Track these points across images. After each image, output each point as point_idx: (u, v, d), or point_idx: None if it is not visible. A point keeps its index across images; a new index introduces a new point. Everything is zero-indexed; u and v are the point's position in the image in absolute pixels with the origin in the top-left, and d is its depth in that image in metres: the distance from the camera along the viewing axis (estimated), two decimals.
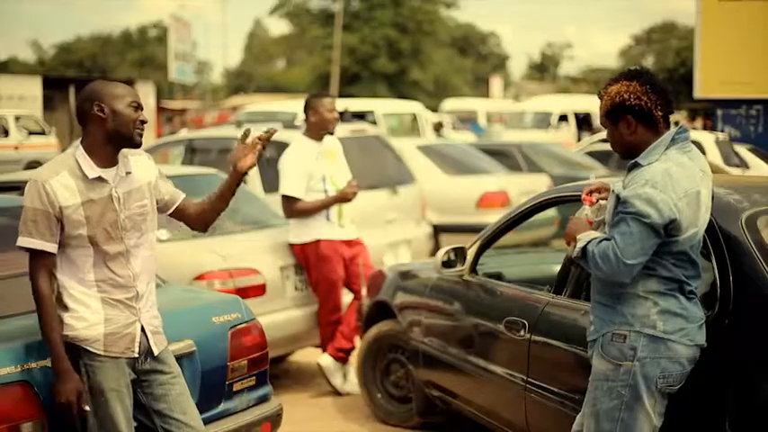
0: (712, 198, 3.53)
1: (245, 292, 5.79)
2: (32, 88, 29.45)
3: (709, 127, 17.39)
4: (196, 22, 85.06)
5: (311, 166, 6.45)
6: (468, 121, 30.84)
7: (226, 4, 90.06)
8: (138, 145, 3.43)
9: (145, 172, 3.53)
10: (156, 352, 3.47)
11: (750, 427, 3.39)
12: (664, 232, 3.27)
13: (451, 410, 5.34)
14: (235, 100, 49.33)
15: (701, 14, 17.03)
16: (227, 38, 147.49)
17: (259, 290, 6.11)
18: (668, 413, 3.49)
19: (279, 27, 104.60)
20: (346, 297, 6.63)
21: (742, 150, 13.42)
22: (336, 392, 6.46)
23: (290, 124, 8.85)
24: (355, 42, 49.78)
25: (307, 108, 6.57)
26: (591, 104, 26.29)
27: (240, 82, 66.26)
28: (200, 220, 3.69)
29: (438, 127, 19.02)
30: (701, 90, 17.36)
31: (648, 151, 3.36)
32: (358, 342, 6.29)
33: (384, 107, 17.35)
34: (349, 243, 6.59)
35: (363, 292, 6.39)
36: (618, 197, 3.33)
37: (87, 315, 3.35)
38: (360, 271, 6.58)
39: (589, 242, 3.36)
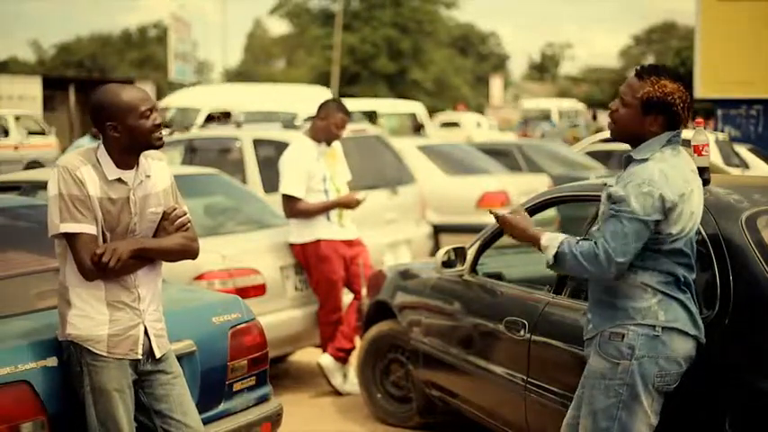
0: (711, 198, 3.53)
1: (245, 292, 5.79)
2: (32, 88, 29.41)
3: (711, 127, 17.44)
4: (196, 22, 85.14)
5: (312, 165, 6.45)
6: (543, 118, 34.09)
7: (226, 4, 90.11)
8: (159, 147, 3.44)
9: (162, 178, 3.53)
10: (158, 355, 3.47)
11: (750, 428, 3.39)
12: (655, 229, 3.29)
13: (451, 410, 5.34)
14: None
15: (701, 14, 17.03)
16: (227, 38, 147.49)
17: (259, 290, 6.11)
18: (668, 413, 3.48)
19: (279, 27, 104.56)
20: (346, 297, 6.63)
21: (742, 150, 13.42)
22: (336, 392, 6.46)
23: (289, 124, 8.85)
24: (355, 42, 49.75)
25: (320, 109, 6.56)
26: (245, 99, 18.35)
27: (240, 82, 66.22)
28: None
29: (418, 128, 18.78)
30: (701, 90, 17.35)
31: (644, 147, 3.39)
32: (358, 342, 6.29)
33: (384, 107, 17.35)
34: (349, 243, 6.60)
35: (363, 292, 6.39)
36: (610, 195, 3.35)
37: (92, 314, 3.35)
38: (360, 271, 6.58)
39: (562, 244, 3.37)
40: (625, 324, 3.36)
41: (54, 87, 30.64)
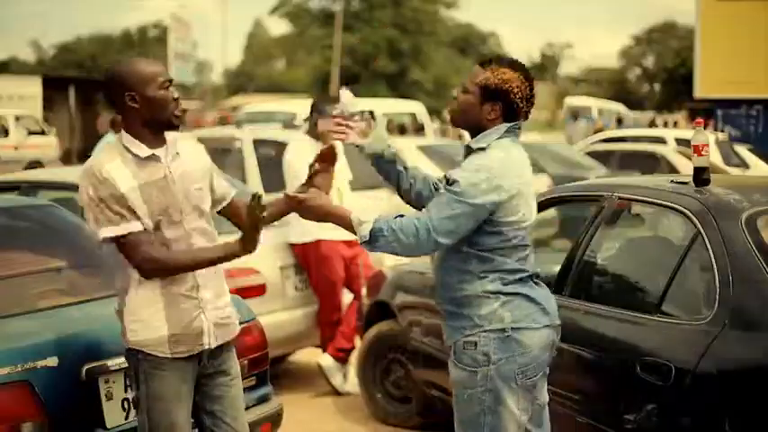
0: (711, 198, 3.52)
1: (245, 292, 5.78)
2: (32, 88, 29.41)
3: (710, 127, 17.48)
4: (196, 22, 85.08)
5: None
6: (583, 114, 36.08)
7: (226, 4, 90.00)
8: (176, 127, 3.28)
9: (196, 158, 3.38)
10: (212, 345, 3.32)
11: (750, 428, 3.39)
12: (489, 217, 3.21)
13: (451, 410, 5.32)
14: (235, 100, 49.27)
15: (701, 14, 17.06)
16: (227, 38, 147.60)
17: (259, 290, 6.11)
18: (668, 413, 3.48)
19: (279, 27, 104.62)
20: (346, 297, 6.63)
21: (742, 150, 13.45)
22: (336, 392, 6.46)
23: (289, 124, 8.86)
24: (355, 42, 49.78)
25: (313, 110, 6.58)
26: None
27: (240, 82, 66.24)
28: None
29: (419, 128, 18.37)
30: (701, 90, 17.39)
31: (482, 137, 3.32)
32: (358, 342, 6.29)
33: (384, 107, 17.34)
34: (349, 243, 6.59)
35: (363, 292, 6.39)
36: (447, 178, 3.26)
37: (148, 318, 3.21)
38: (360, 271, 6.58)
39: (377, 220, 3.24)
40: (475, 332, 3.30)
41: (54, 87, 30.61)
